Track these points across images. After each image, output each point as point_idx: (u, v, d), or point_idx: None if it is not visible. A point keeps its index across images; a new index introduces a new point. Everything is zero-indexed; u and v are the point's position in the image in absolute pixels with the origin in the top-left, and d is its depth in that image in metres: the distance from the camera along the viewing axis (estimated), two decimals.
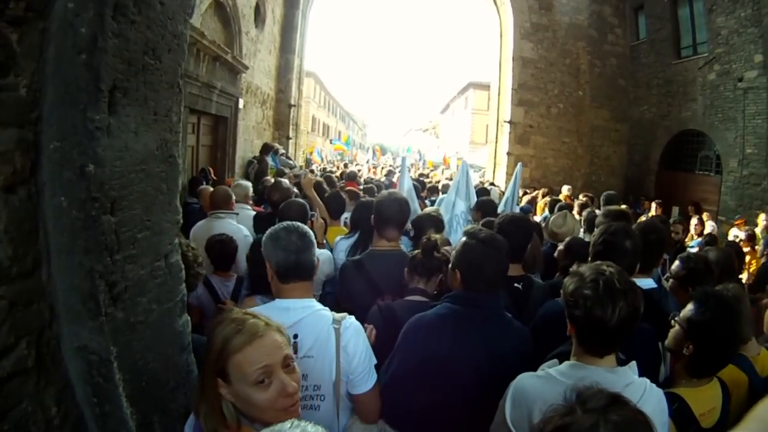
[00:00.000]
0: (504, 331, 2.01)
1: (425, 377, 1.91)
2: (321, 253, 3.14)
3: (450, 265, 2.15)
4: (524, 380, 1.58)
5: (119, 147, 1.30)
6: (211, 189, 5.76)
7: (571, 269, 2.44)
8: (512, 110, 13.79)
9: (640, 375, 1.57)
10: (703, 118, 11.12)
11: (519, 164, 7.07)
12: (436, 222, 3.31)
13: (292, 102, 14.18)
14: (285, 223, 2.01)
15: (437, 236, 2.63)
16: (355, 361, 1.85)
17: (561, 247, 3.33)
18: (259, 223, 4.05)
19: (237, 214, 4.24)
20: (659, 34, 12.72)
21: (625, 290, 1.48)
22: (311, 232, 2.03)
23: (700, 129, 11.41)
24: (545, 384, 1.51)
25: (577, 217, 5.60)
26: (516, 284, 2.66)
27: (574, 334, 1.59)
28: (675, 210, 11.11)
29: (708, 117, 10.96)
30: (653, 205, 9.43)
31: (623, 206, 4.34)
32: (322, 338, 1.81)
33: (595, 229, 2.62)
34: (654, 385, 1.55)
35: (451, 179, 11.10)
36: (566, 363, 1.57)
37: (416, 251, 2.52)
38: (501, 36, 14.47)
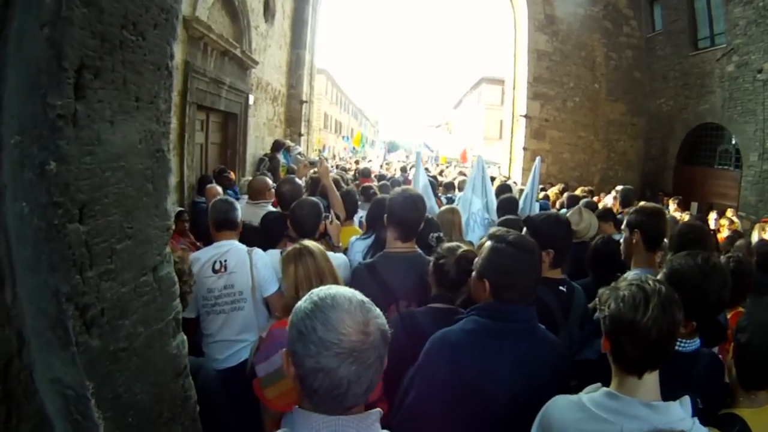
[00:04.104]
0: (539, 346, 1.78)
1: (452, 403, 1.69)
2: (337, 257, 2.94)
3: (474, 274, 1.90)
4: (555, 406, 1.48)
5: (89, 140, 1.06)
6: (219, 187, 5.58)
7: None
8: (528, 104, 13.51)
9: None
10: (722, 111, 10.73)
11: (538, 158, 6.71)
12: (435, 226, 3.10)
13: (304, 98, 13.90)
14: (221, 197, 3.22)
15: (467, 247, 2.35)
16: (262, 273, 2.84)
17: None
18: (268, 224, 3.76)
19: (272, 201, 4.62)
20: (675, 25, 12.33)
21: (659, 291, 1.39)
22: (236, 203, 3.10)
23: (718, 122, 11.04)
24: (575, 414, 1.41)
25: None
26: (561, 287, 2.44)
27: (609, 350, 1.46)
28: (694, 206, 10.77)
29: (727, 110, 10.57)
30: (671, 202, 8.97)
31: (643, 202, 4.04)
32: (241, 260, 2.85)
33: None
34: (702, 426, 1.36)
35: (463, 174, 10.81)
36: (602, 391, 1.45)
37: (442, 259, 2.24)
38: (515, 28, 14.13)
